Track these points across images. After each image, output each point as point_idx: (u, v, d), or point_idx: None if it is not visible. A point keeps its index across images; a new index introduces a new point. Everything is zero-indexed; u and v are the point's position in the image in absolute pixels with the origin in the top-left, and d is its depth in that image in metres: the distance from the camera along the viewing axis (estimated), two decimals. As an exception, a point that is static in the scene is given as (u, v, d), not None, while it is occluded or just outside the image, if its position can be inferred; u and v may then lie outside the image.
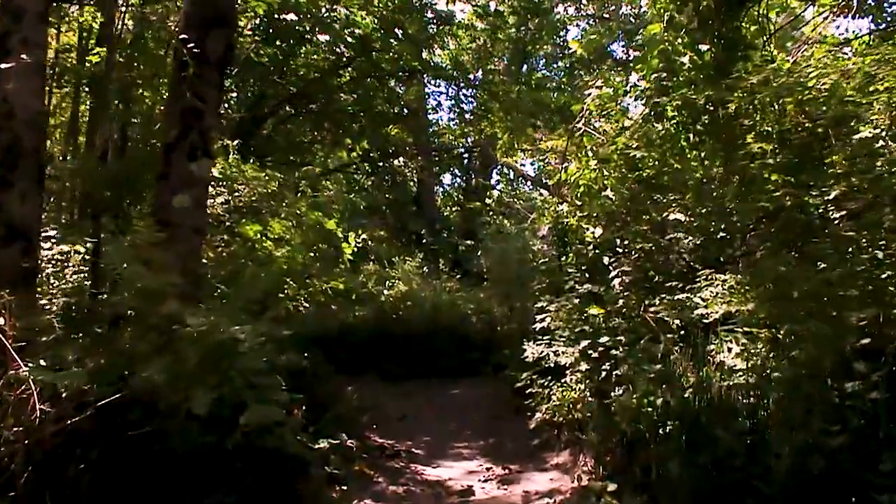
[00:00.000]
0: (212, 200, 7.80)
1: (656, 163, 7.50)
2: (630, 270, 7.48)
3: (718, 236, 7.10)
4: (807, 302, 5.29)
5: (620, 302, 7.40)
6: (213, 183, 8.08)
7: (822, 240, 6.04)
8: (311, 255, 8.22)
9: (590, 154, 8.23)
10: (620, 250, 7.87)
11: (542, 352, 7.27)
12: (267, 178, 8.02)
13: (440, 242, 20.94)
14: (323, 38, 12.13)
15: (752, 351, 5.40)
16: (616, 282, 7.50)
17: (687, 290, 6.79)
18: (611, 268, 7.76)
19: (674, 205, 7.15)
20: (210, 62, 6.55)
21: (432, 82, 16.24)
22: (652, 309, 7.15)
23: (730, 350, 5.60)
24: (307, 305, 8.16)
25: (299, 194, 8.22)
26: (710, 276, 6.59)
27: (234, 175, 8.00)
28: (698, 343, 6.26)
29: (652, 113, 8.21)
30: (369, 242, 21.08)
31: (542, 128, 14.95)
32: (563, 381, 7.38)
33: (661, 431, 5.60)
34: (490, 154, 22.60)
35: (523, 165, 23.86)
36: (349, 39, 12.11)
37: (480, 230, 21.45)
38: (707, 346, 6.11)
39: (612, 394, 6.52)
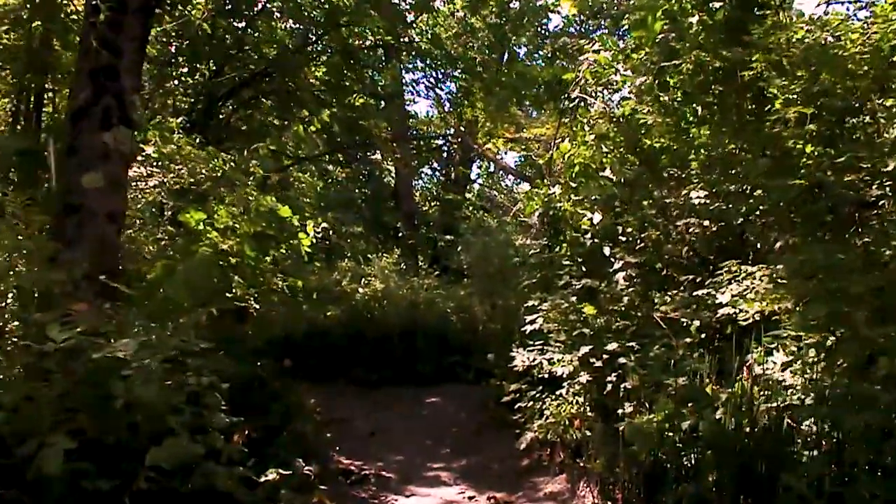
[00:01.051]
0: (144, 183, 6.52)
1: (667, 134, 6.30)
2: (635, 262, 6.27)
3: (738, 220, 5.91)
4: (870, 300, 4.14)
5: (625, 300, 6.20)
6: (149, 162, 6.81)
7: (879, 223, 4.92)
8: (264, 247, 6.95)
9: (586, 129, 7.02)
10: (623, 239, 6.67)
11: (533, 360, 6.04)
12: (210, 157, 6.74)
13: (418, 237, 19.69)
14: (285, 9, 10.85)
15: (805, 361, 4.20)
16: (619, 276, 6.29)
17: (706, 284, 5.61)
18: (612, 259, 6.55)
19: (692, 182, 5.96)
20: (129, 9, 5.27)
21: (409, 66, 14.93)
22: (663, 308, 5.97)
23: (774, 361, 4.39)
24: (257, 307, 6.86)
25: (251, 178, 6.91)
26: (733, 268, 5.42)
27: (172, 153, 6.71)
28: (725, 350, 5.09)
29: (656, 81, 7.03)
30: (346, 240, 20.07)
31: (528, 107, 13.80)
32: (557, 392, 6.18)
33: (687, 462, 4.42)
34: (470, 146, 21.40)
35: (503, 157, 22.60)
36: (315, 12, 10.86)
37: (460, 225, 20.34)
38: (741, 353, 4.93)
39: (620, 411, 5.32)
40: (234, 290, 6.36)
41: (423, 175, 25.08)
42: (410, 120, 22.46)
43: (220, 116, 11.01)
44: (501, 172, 24.55)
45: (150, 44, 9.59)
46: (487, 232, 15.24)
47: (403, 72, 15.73)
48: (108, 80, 5.04)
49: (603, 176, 6.87)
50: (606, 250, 6.53)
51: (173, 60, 9.90)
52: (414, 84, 16.58)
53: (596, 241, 6.71)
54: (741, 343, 5.07)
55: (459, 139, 22.63)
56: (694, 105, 6.56)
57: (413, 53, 13.88)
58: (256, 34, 11.00)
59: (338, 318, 12.22)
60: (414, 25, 14.00)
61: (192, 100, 10.35)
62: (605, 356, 5.51)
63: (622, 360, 5.30)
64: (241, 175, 6.93)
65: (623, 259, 6.26)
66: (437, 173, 25.29)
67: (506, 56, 19.53)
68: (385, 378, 10.56)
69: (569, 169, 6.90)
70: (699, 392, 4.44)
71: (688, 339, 5.45)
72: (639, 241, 6.60)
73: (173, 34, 9.38)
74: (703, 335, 5.52)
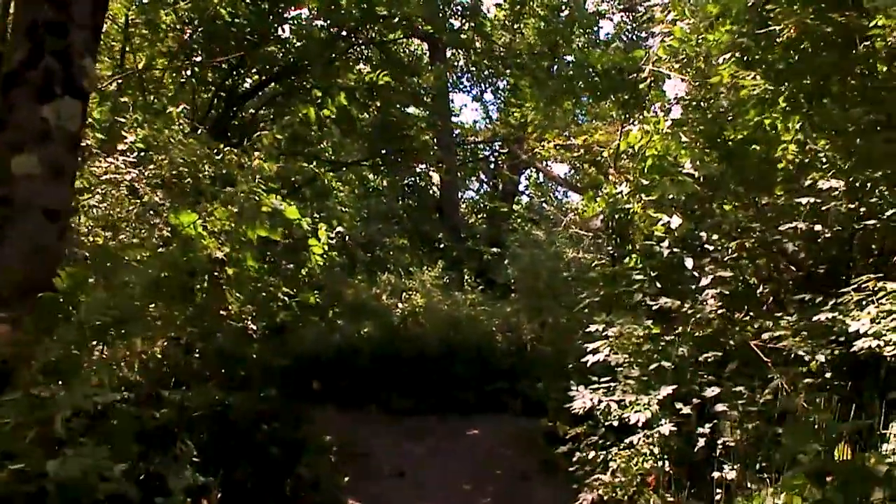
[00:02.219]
0: (122, 177, 5.34)
1: (769, 112, 4.87)
2: (728, 277, 4.83)
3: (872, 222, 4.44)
4: None
5: (714, 324, 4.77)
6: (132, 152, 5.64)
7: None
8: (268, 254, 5.75)
9: (659, 114, 5.62)
10: (710, 248, 5.23)
11: (598, 402, 4.62)
12: (203, 144, 5.55)
13: (464, 250, 18.35)
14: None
15: None
16: (709, 294, 4.85)
17: (830, 306, 4.16)
18: (695, 273, 5.11)
19: (815, 168, 4.52)
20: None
21: (453, 62, 13.60)
22: (765, 335, 4.53)
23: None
24: (254, 328, 5.58)
25: (256, 176, 5.65)
26: (870, 285, 3.97)
27: (164, 143, 5.53)
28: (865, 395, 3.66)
29: (745, 59, 5.61)
30: (388, 252, 18.86)
31: (580, 113, 12.43)
32: (628, 440, 4.76)
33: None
34: (518, 154, 20.06)
35: (552, 167, 21.08)
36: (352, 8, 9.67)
37: (508, 237, 19.03)
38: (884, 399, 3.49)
39: (716, 474, 3.91)
40: (228, 307, 5.12)
41: (469, 185, 23.83)
42: (456, 131, 21.31)
43: (243, 115, 9.89)
44: (551, 183, 23.07)
45: (162, 31, 8.59)
46: (536, 244, 13.85)
47: (447, 74, 14.44)
48: (51, 36, 3.86)
49: (682, 171, 5.45)
50: (688, 262, 5.10)
51: (188, 52, 8.77)
52: (459, 84, 15.22)
53: (674, 250, 5.29)
54: (889, 385, 3.64)
55: (507, 149, 21.41)
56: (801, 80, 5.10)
57: (457, 50, 12.60)
58: (284, 25, 9.84)
59: (371, 337, 10.99)
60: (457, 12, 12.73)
61: (211, 95, 9.21)
62: (694, 400, 4.09)
63: (721, 406, 3.87)
64: (239, 168, 5.70)
65: (713, 273, 4.81)
66: (483, 185, 24.02)
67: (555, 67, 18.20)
68: (421, 405, 9.22)
69: (640, 162, 5.50)
70: (851, 467, 3.00)
71: (807, 380, 4.01)
72: (728, 251, 5.16)
73: (187, 21, 8.30)
74: (827, 373, 4.07)
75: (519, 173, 22.32)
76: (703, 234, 5.29)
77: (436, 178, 21.32)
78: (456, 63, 13.97)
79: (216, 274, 5.14)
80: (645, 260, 5.43)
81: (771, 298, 5.06)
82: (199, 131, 6.36)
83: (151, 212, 5.60)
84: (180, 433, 4.05)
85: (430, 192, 21.52)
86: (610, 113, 16.13)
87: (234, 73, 9.28)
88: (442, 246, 18.25)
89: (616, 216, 5.73)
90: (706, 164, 5.33)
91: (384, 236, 17.85)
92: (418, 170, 17.44)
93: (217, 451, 4.75)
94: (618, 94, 9.11)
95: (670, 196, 5.35)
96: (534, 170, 22.49)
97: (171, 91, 8.35)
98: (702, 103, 5.39)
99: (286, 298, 5.81)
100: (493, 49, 12.08)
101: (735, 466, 3.78)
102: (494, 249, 17.72)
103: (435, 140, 16.92)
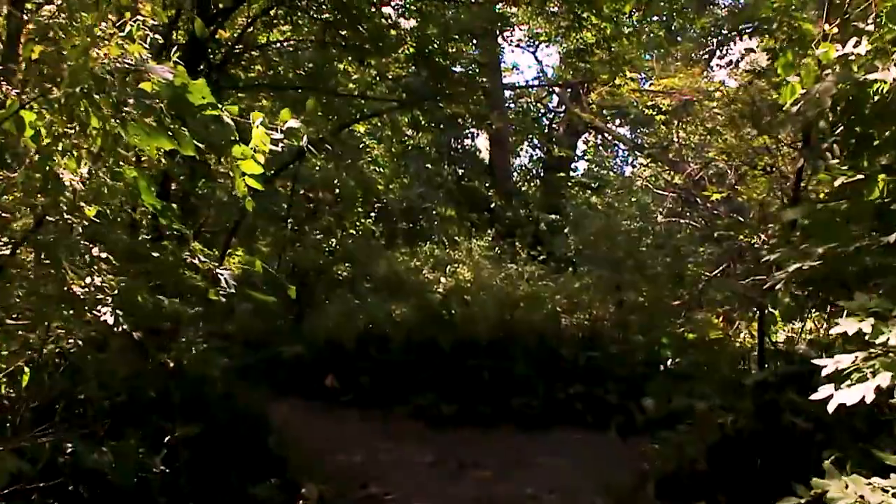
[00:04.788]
0: None
1: None
2: None
3: None
4: None
5: None
6: None
7: None
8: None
9: None
10: None
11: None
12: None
13: (518, 218, 15.54)
14: None
15: None
16: None
17: None
18: None
19: None
20: None
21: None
22: None
23: None
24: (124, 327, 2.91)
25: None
26: None
27: None
28: None
29: None
30: (433, 221, 16.17)
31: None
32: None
33: None
34: (576, 121, 17.11)
35: (620, 125, 17.92)
36: None
37: (567, 204, 16.21)
38: None
39: None
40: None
41: (521, 150, 20.91)
42: (507, 91, 18.51)
43: (242, 48, 7.22)
44: (616, 145, 19.98)
45: None
46: (611, 205, 11.08)
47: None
48: None
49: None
50: None
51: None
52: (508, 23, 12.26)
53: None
54: None
55: (563, 108, 18.63)
56: None
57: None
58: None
59: (405, 319, 8.36)
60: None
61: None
62: None
63: None
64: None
65: None
66: (537, 150, 21.06)
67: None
68: (464, 412, 6.56)
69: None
70: None
71: None
72: None
73: None
74: None
75: (577, 136, 19.36)
76: None
77: (484, 142, 18.59)
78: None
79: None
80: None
81: None
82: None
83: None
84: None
85: (479, 155, 18.75)
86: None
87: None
88: (492, 212, 15.49)
89: (844, 101, 2.86)
90: None
91: (426, 202, 15.15)
92: (464, 124, 14.54)
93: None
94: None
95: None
96: (593, 131, 19.46)
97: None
98: None
99: (217, 266, 3.07)
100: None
101: None
102: (553, 217, 14.92)
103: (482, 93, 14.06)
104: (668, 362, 6.64)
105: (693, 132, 11.28)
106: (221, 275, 2.66)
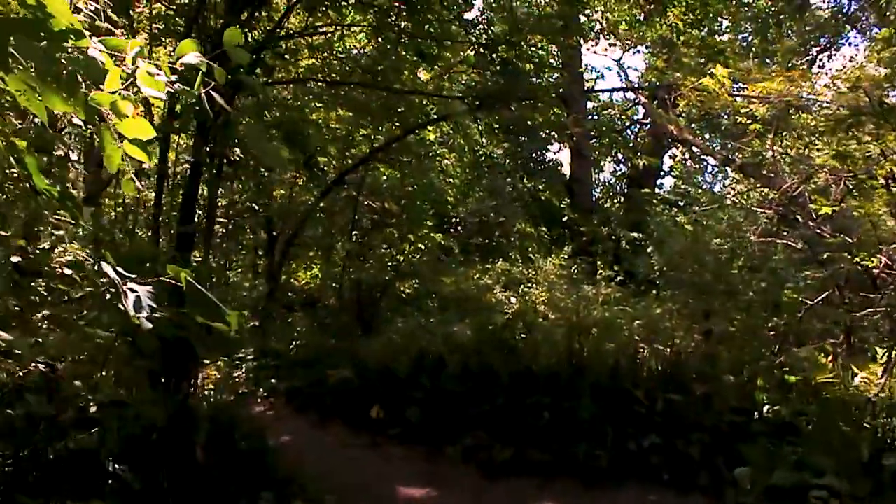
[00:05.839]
0: None
1: None
2: None
3: None
4: None
5: None
6: None
7: None
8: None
9: None
10: None
11: None
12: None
13: (598, 236, 14.39)
14: None
15: None
16: None
17: None
18: None
19: None
20: None
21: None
22: None
23: None
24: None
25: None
26: None
27: None
28: None
29: None
30: (510, 237, 15.24)
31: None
32: None
33: None
34: (661, 134, 15.87)
35: (709, 138, 16.48)
36: None
37: (651, 222, 14.93)
38: None
39: None
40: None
41: (604, 167, 19.71)
42: (590, 103, 17.53)
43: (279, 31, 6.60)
44: (704, 160, 18.51)
45: None
46: (696, 223, 9.92)
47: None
48: None
49: None
50: None
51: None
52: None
53: None
54: None
55: (648, 121, 17.45)
56: None
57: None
58: None
59: (464, 341, 7.51)
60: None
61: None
62: None
63: None
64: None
65: None
66: (621, 165, 19.78)
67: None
68: (520, 459, 5.61)
69: None
70: None
71: None
72: None
73: None
74: None
75: (662, 150, 18.04)
76: None
77: (566, 155, 17.55)
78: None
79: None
80: None
81: None
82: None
83: None
84: None
85: (558, 169, 17.68)
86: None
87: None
88: (570, 229, 14.41)
89: None
90: None
91: (501, 216, 14.21)
92: (544, 135, 13.56)
93: None
94: None
95: None
96: (679, 144, 18.06)
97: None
98: None
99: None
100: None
101: None
102: (635, 235, 13.75)
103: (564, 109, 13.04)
104: (765, 409, 5.52)
105: (791, 145, 10.10)
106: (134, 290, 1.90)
